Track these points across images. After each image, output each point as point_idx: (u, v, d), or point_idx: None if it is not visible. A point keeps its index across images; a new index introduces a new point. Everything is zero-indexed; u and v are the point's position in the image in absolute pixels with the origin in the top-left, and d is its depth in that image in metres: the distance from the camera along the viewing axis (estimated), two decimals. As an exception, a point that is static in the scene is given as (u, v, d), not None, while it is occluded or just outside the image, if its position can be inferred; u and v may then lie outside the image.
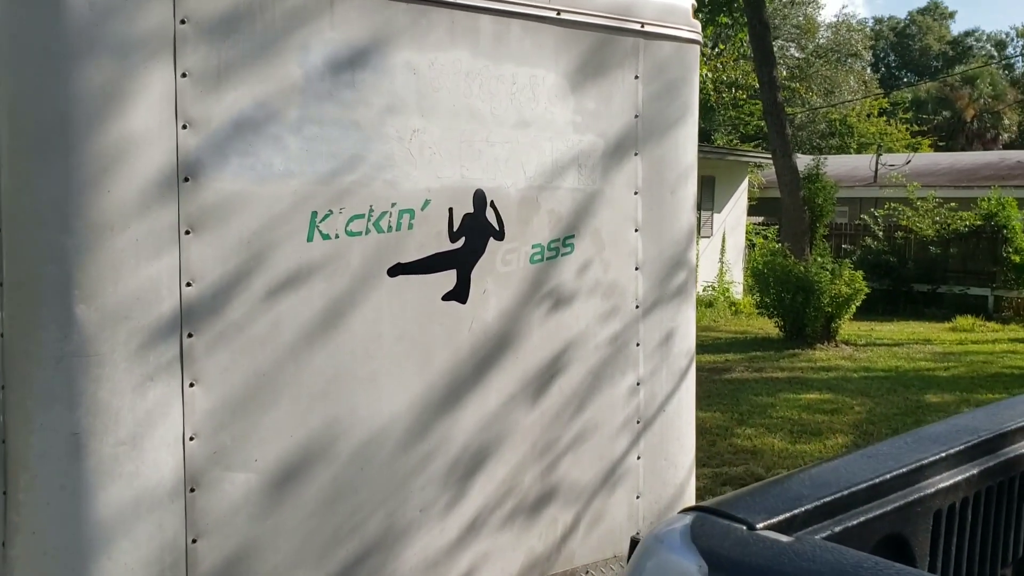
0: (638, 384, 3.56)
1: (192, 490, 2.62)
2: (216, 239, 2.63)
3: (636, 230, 3.53)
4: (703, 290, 20.08)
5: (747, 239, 21.56)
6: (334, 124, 2.81)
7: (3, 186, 2.48)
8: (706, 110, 25.57)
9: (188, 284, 2.59)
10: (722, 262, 20.51)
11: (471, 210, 3.08)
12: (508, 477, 3.22)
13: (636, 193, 3.52)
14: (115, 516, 2.50)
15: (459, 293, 3.07)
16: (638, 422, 3.56)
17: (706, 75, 22.57)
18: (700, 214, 20.43)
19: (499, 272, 3.16)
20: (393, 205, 2.93)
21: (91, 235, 2.45)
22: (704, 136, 26.62)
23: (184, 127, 2.57)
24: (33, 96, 2.43)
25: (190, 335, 2.60)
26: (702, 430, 9.18)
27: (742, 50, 21.63)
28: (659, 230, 3.60)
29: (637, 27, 3.46)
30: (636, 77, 3.48)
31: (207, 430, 2.64)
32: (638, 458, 3.57)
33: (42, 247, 2.44)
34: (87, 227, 2.45)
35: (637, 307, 3.54)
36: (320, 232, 2.80)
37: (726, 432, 9.26)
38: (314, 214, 2.79)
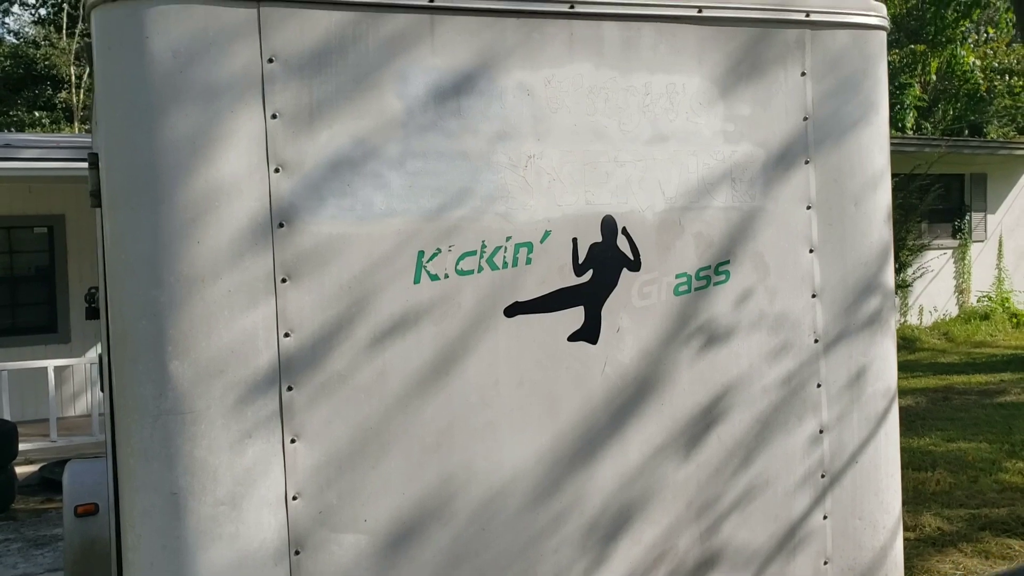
0: (821, 432, 3.04)
1: (297, 552, 2.48)
2: (315, 286, 2.49)
3: (811, 251, 3.03)
4: (977, 301, 18.09)
5: (1030, 241, 19.19)
6: (439, 156, 2.60)
7: (105, 240, 2.48)
8: (977, 101, 23.15)
9: (286, 335, 2.46)
10: (999, 268, 18.40)
11: (599, 239, 2.75)
12: (659, 540, 2.83)
13: (809, 208, 3.02)
14: (214, 579, 2.40)
15: (588, 332, 2.74)
16: (823, 476, 3.04)
17: (974, 63, 20.43)
18: (971, 216, 18.45)
19: (636, 307, 2.80)
20: (508, 239, 2.66)
21: (182, 288, 2.39)
22: (976, 130, 24.10)
23: (277, 170, 2.46)
24: (121, 149, 2.41)
25: (290, 388, 2.47)
26: (962, 464, 8.11)
27: (1011, 33, 19.37)
28: (841, 250, 3.07)
29: (801, 16, 2.98)
30: (803, 74, 3.00)
31: (311, 488, 2.50)
32: (824, 518, 3.05)
33: (136, 302, 2.41)
34: (178, 280, 2.38)
35: (816, 341, 3.03)
36: (428, 272, 2.59)
37: (992, 466, 8.12)
38: (420, 254, 2.59)
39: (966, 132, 23.31)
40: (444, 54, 2.60)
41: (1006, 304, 17.55)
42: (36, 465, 9.13)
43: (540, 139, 2.69)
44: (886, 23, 3.13)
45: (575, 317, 2.73)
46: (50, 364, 9.32)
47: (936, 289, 17.75)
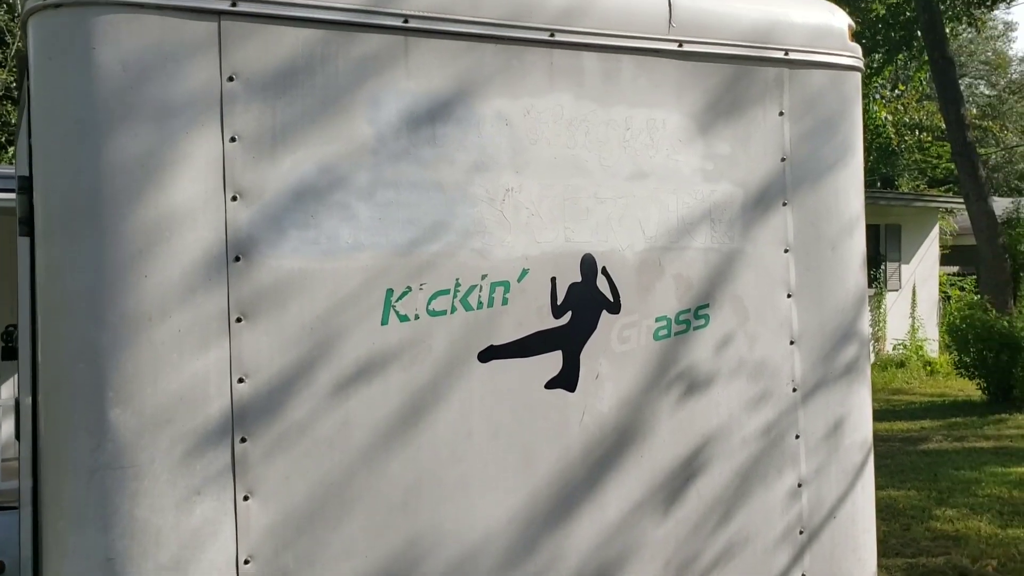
0: (800, 485, 2.91)
1: (247, 623, 2.22)
2: (273, 326, 2.26)
3: (789, 296, 2.92)
4: (893, 349, 18.55)
5: (941, 291, 19.82)
6: (412, 187, 2.41)
7: (37, 273, 2.21)
8: (888, 155, 24.00)
9: (240, 380, 2.22)
10: (913, 317, 18.92)
11: (578, 279, 2.59)
12: (637, 601, 2.65)
13: (787, 251, 2.92)
14: (154, 657, 2.12)
15: (566, 379, 2.56)
16: (801, 532, 2.91)
17: (886, 118, 21.21)
18: (887, 266, 18.99)
19: (615, 352, 2.64)
20: (484, 277, 2.48)
21: (127, 328, 2.13)
22: (888, 182, 24.97)
23: (234, 198, 2.23)
24: (60, 172, 2.15)
25: (243, 440, 2.22)
26: (894, 512, 8.14)
27: (924, 89, 20.20)
28: (819, 295, 2.97)
29: (780, 55, 2.90)
30: (781, 113, 2.91)
31: (266, 551, 2.24)
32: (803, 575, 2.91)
33: (73, 342, 2.14)
34: (122, 318, 2.13)
35: (794, 390, 2.91)
36: (397, 313, 2.39)
37: (923, 514, 8.16)
38: (389, 292, 2.38)
39: (879, 184, 24.12)
40: (419, 78, 2.42)
41: (920, 352, 18.00)
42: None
43: (519, 171, 2.52)
44: (862, 64, 3.08)
45: (553, 362, 2.56)
46: (-52, 407, 8.69)
47: (854, 336, 18.09)
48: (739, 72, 2.85)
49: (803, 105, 2.95)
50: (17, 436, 3.35)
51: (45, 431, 2.21)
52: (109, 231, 2.12)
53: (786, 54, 2.91)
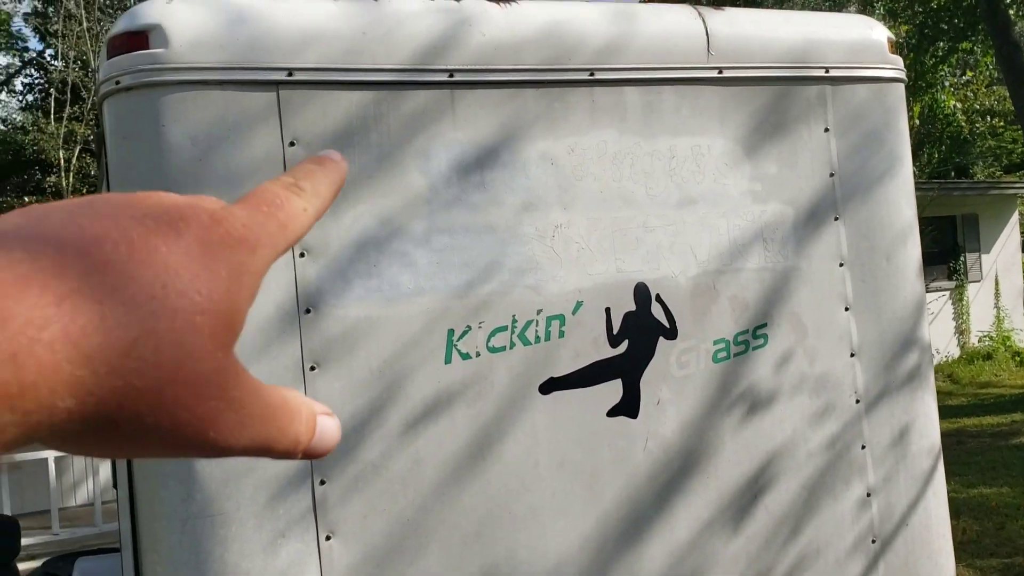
0: (869, 495, 2.92)
1: (336, 656, 2.34)
2: (344, 372, 2.39)
3: (847, 309, 2.95)
4: (979, 341, 18.03)
5: (1025, 279, 19.21)
6: (465, 231, 2.52)
7: (125, 338, 2.38)
8: (961, 143, 23.38)
9: (316, 425, 2.35)
10: (998, 308, 18.37)
11: (632, 307, 2.67)
12: (712, 620, 2.70)
13: (842, 265, 2.95)
14: None
15: (627, 406, 2.64)
16: (873, 541, 2.92)
17: (955, 106, 20.68)
18: (966, 257, 18.48)
19: (675, 377, 2.70)
20: (539, 312, 2.57)
21: (208, 383, 2.28)
22: (962, 171, 24.32)
23: (302, 255, 2.38)
24: (141, 243, 2.32)
25: (322, 482, 2.35)
26: (987, 510, 7.94)
27: (992, 74, 19.65)
28: (877, 306, 2.99)
29: (820, 73, 2.94)
30: (826, 130, 2.95)
31: (349, 587, 2.37)
32: (879, 586, 2.92)
33: (160, 400, 2.30)
34: (204, 375, 2.28)
35: (858, 402, 2.93)
36: (459, 352, 2.50)
37: (1018, 512, 7.95)
38: (451, 332, 2.49)
39: (953, 174, 23.51)
40: (466, 128, 2.54)
41: (1008, 343, 17.47)
42: (38, 560, 8.87)
43: (567, 208, 2.62)
44: (903, 75, 3.10)
45: (613, 391, 2.63)
46: (50, 454, 9.13)
47: (936, 331, 17.69)
48: (781, 92, 2.90)
49: (848, 120, 2.98)
50: (115, 484, 3.55)
51: (139, 481, 2.38)
52: (188, 294, 2.28)
53: (827, 71, 2.95)
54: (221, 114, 2.32)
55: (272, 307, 2.34)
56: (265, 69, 2.35)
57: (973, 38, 15.86)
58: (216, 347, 0.36)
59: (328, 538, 2.35)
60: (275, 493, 2.31)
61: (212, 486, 2.27)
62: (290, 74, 2.37)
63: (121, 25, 2.35)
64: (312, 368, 2.36)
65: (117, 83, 2.32)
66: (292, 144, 2.38)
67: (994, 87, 22.11)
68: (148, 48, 2.29)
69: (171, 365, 0.35)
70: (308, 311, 2.37)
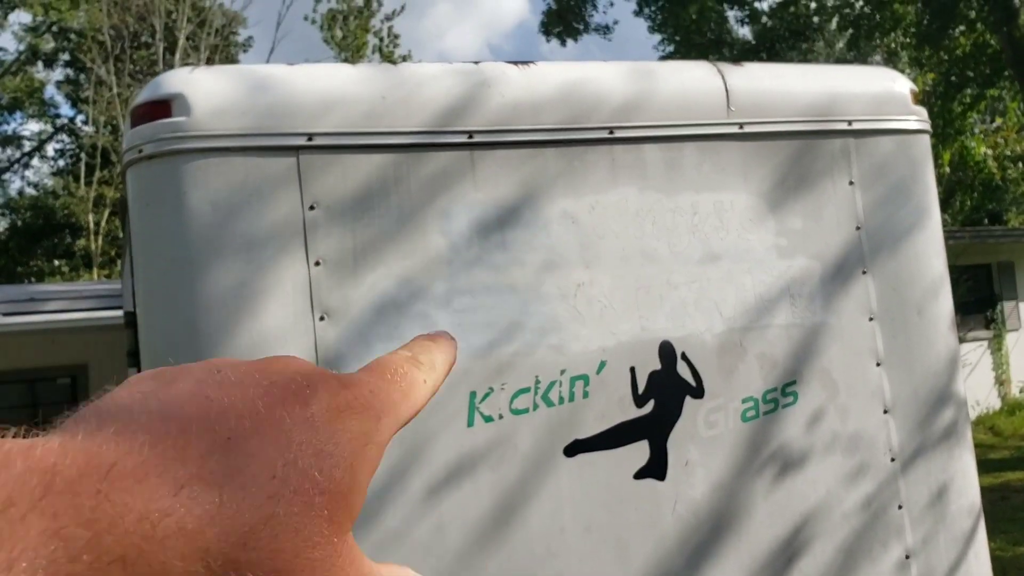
0: (907, 557, 2.82)
1: None
2: (365, 437, 2.36)
3: (878, 364, 2.88)
4: (1020, 391, 17.63)
5: (1066, 326, 18.80)
6: (486, 291, 2.50)
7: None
8: (994, 189, 23.16)
9: (337, 491, 2.32)
10: (1038, 357, 17.98)
11: (658, 366, 2.62)
12: None
13: (872, 319, 2.89)
14: None
15: (655, 468, 2.58)
16: (915, 606, 2.81)
17: (985, 153, 20.53)
18: (1003, 305, 18.17)
19: (703, 437, 2.64)
20: (563, 372, 2.54)
21: (228, 449, 2.26)
22: (995, 218, 24.05)
23: (322, 318, 2.37)
24: (160, 308, 2.33)
25: (343, 549, 2.31)
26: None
27: (1020, 119, 19.53)
28: (909, 361, 2.92)
29: (844, 126, 2.92)
30: (851, 183, 2.91)
31: (371, 658, 2.30)
32: (922, 653, 2.80)
33: (180, 467, 2.28)
34: (224, 441, 2.26)
35: (893, 460, 2.85)
36: (481, 414, 2.46)
37: (1071, 573, 7.66)
38: (472, 395, 2.46)
39: (986, 221, 23.26)
40: (486, 188, 2.54)
41: (1050, 393, 17.06)
42: None
43: (589, 266, 2.59)
44: (928, 126, 3.07)
45: (640, 452, 2.58)
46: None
47: (975, 382, 17.32)
48: (804, 147, 2.88)
49: (873, 173, 2.94)
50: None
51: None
52: (206, 359, 2.27)
53: (850, 124, 2.92)
54: (242, 180, 2.33)
55: (292, 371, 2.32)
56: (285, 135, 2.36)
57: (1000, 84, 15.82)
58: (333, 531, 0.34)
59: (349, 607, 2.30)
60: (295, 561, 2.27)
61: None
62: (310, 139, 2.39)
63: (145, 95, 2.39)
64: (333, 433, 2.33)
65: (140, 151, 2.35)
66: (312, 208, 2.39)
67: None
68: (170, 116, 2.32)
69: (289, 554, 0.33)
70: (329, 375, 2.35)
